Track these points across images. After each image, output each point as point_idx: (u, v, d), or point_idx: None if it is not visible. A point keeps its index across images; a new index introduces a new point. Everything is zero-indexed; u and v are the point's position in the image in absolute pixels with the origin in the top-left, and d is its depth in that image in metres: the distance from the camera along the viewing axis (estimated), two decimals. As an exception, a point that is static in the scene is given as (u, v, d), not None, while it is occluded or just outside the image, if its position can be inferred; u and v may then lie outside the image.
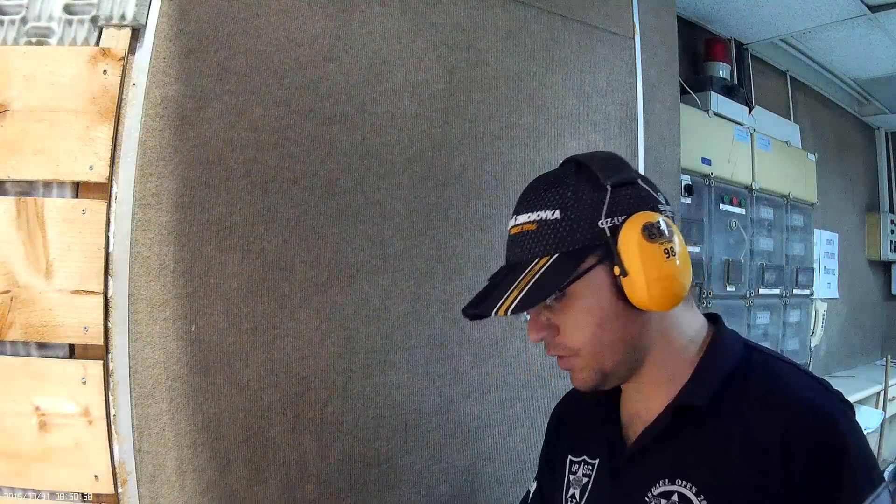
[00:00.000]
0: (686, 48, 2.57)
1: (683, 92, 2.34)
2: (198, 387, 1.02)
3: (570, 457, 0.85)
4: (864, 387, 3.05)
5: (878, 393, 3.15)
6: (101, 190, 0.98)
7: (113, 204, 0.98)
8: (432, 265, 1.27)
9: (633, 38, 1.64)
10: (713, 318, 0.78)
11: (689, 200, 2.31)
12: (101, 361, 0.96)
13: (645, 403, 0.75)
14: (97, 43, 1.01)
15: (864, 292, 3.79)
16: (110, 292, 0.97)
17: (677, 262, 0.66)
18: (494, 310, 0.67)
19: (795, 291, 2.91)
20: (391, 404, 1.21)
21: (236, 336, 1.05)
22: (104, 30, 1.01)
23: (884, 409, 3.15)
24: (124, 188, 0.98)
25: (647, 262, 0.65)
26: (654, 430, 0.72)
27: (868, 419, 2.95)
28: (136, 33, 1.01)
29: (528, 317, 0.74)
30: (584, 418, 0.85)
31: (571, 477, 0.84)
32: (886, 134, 4.05)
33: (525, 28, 1.43)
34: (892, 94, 3.47)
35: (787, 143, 2.87)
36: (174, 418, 1.00)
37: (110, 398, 0.96)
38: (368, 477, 1.18)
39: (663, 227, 0.66)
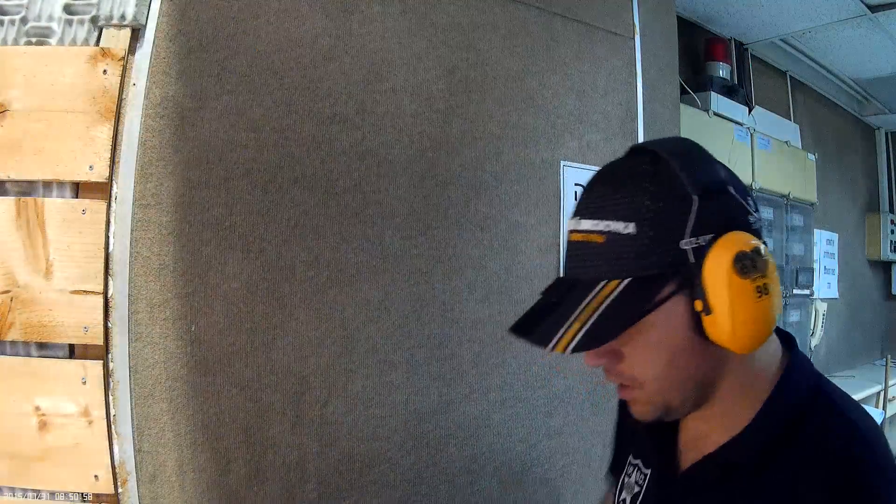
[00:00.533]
0: (686, 48, 2.57)
1: (683, 92, 2.34)
2: (198, 387, 1.02)
3: (630, 457, 0.80)
4: (864, 387, 3.04)
5: (878, 393, 3.15)
6: (101, 190, 0.98)
7: (113, 204, 0.98)
8: (432, 265, 1.27)
9: (633, 38, 1.64)
10: (786, 339, 0.68)
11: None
12: (101, 361, 0.96)
13: (704, 432, 0.68)
14: (97, 43, 1.01)
15: (864, 292, 3.78)
16: (110, 292, 0.97)
17: (771, 300, 0.56)
18: (552, 345, 0.57)
19: (795, 291, 2.91)
20: (391, 404, 1.21)
21: (236, 336, 1.05)
22: (104, 30, 1.01)
23: (884, 409, 3.15)
24: (124, 188, 0.98)
25: (736, 300, 0.55)
26: (700, 477, 0.66)
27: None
28: (136, 33, 1.01)
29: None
30: None
31: (626, 479, 0.80)
32: (886, 134, 4.04)
33: (525, 28, 1.43)
34: (892, 94, 3.47)
35: (787, 143, 2.87)
36: (174, 418, 1.00)
37: (110, 398, 0.96)
38: (368, 477, 1.18)
39: (759, 256, 0.55)
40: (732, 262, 0.55)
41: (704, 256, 0.55)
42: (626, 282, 0.57)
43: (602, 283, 0.58)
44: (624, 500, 0.78)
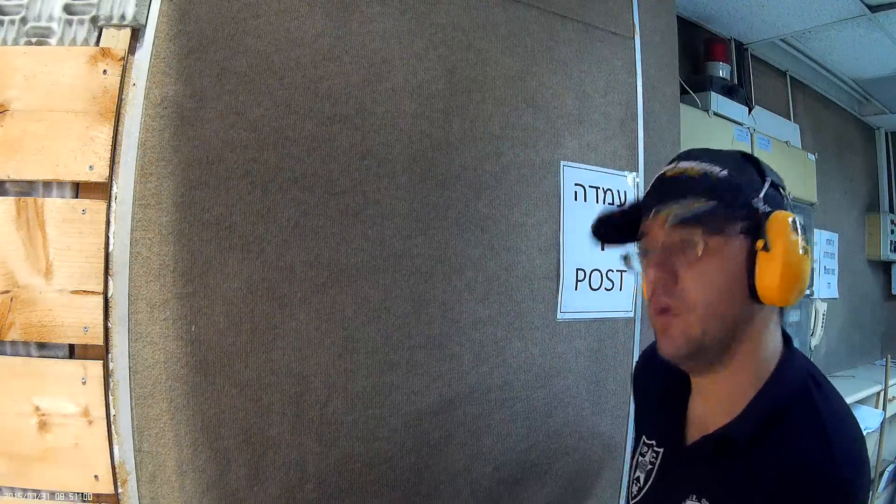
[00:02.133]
0: (686, 48, 2.57)
1: (683, 92, 2.34)
2: (198, 387, 1.02)
3: (644, 438, 0.90)
4: (864, 387, 3.04)
5: (878, 393, 3.14)
6: (101, 190, 0.98)
7: (113, 204, 0.98)
8: (432, 265, 1.27)
9: (633, 38, 1.64)
10: (786, 339, 0.79)
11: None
12: (101, 361, 0.96)
13: (709, 410, 0.78)
14: (97, 43, 1.01)
15: (864, 292, 3.78)
16: (110, 292, 0.97)
17: (809, 262, 0.72)
18: (654, 212, 0.72)
19: (795, 291, 2.90)
20: (391, 404, 1.21)
21: (236, 336, 1.05)
22: (104, 30, 1.01)
23: (884, 409, 3.15)
24: (124, 188, 0.98)
25: (788, 247, 0.69)
26: (700, 450, 0.76)
27: (868, 419, 2.95)
28: (136, 33, 1.01)
29: (637, 266, 0.79)
30: (659, 395, 0.88)
31: (640, 459, 0.89)
32: (886, 134, 4.04)
33: (525, 28, 1.43)
34: (892, 94, 3.46)
35: (787, 143, 2.87)
36: (174, 418, 1.00)
37: (110, 398, 0.96)
38: (368, 477, 1.18)
39: (804, 229, 0.72)
40: (790, 221, 0.70)
41: (770, 213, 0.71)
42: (712, 203, 0.70)
43: (694, 198, 0.71)
44: (638, 478, 0.88)
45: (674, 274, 0.73)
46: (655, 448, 0.86)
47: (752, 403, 0.72)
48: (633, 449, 0.98)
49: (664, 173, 0.77)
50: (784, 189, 0.77)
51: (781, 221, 0.71)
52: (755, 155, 0.81)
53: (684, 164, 0.75)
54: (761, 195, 0.73)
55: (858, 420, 0.73)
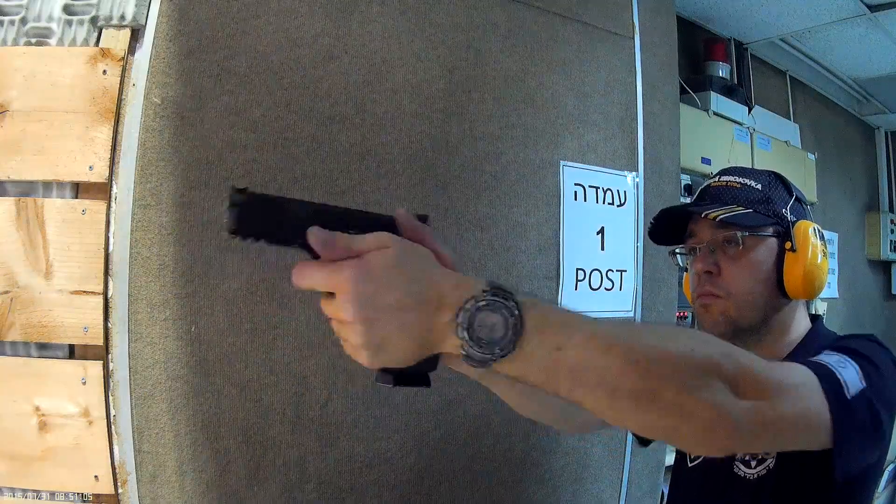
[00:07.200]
0: (686, 48, 2.56)
1: (683, 92, 2.33)
2: (198, 387, 1.02)
3: None
4: (864, 387, 3.03)
5: (878, 393, 3.14)
6: (101, 190, 0.98)
7: (113, 204, 0.98)
8: (432, 265, 1.27)
9: (633, 38, 1.64)
10: (813, 318, 0.94)
11: (688, 200, 2.31)
12: (101, 362, 0.96)
13: None
14: (97, 43, 1.01)
15: (863, 292, 3.78)
16: (110, 292, 0.97)
17: (826, 265, 0.88)
18: (706, 213, 0.87)
19: (795, 291, 2.90)
20: (391, 404, 1.21)
21: (236, 336, 1.05)
22: (104, 30, 1.01)
23: (884, 408, 3.14)
24: (124, 188, 0.98)
25: (811, 251, 0.86)
26: None
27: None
28: (136, 33, 1.01)
29: (682, 261, 0.96)
30: None
31: None
32: (886, 134, 4.03)
33: (525, 28, 1.43)
34: (892, 93, 3.46)
35: (786, 142, 2.87)
36: (174, 418, 1.00)
37: (110, 398, 0.96)
38: (368, 477, 1.18)
39: (824, 236, 0.90)
40: (812, 230, 0.88)
41: (796, 222, 0.89)
42: (749, 210, 0.88)
43: (735, 205, 0.89)
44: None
45: (717, 266, 0.88)
46: None
47: (791, 355, 0.85)
48: None
49: (709, 185, 0.94)
50: (806, 203, 0.93)
51: (805, 229, 0.87)
52: (768, 168, 0.98)
53: (726, 178, 0.93)
54: (788, 206, 0.89)
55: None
